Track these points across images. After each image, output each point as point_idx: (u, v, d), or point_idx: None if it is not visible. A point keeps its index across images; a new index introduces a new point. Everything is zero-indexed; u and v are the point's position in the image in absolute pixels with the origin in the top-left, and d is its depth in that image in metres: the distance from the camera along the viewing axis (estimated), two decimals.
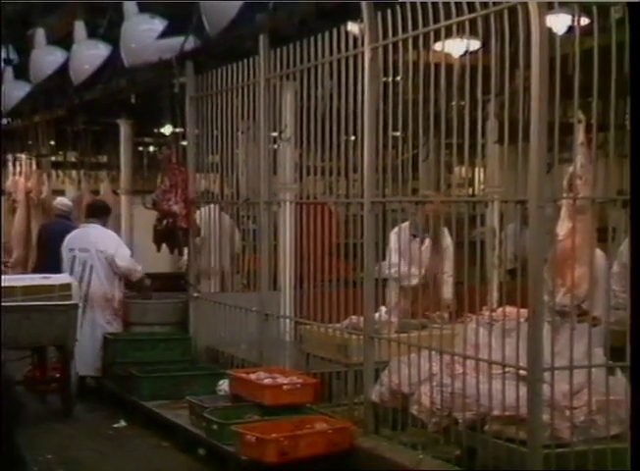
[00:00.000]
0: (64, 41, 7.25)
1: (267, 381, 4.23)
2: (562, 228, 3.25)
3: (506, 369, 3.21)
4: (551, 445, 3.05)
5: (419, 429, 3.55)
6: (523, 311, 3.16)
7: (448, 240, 3.96)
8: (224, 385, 4.62)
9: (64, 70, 7.11)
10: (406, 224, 4.40)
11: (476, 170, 4.80)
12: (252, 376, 4.34)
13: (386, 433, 3.80)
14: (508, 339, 3.21)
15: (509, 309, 3.38)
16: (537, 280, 3.04)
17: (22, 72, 7.76)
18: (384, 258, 4.27)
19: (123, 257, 5.63)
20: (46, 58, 7.44)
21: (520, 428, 3.11)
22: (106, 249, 5.61)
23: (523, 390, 3.10)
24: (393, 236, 4.22)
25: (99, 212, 5.95)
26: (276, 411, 4.09)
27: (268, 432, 3.73)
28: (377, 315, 4.00)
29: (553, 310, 3.18)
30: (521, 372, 3.12)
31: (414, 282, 4.13)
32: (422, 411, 3.51)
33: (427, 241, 4.07)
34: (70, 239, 5.84)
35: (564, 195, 3.27)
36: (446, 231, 4.01)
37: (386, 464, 3.58)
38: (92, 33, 6.94)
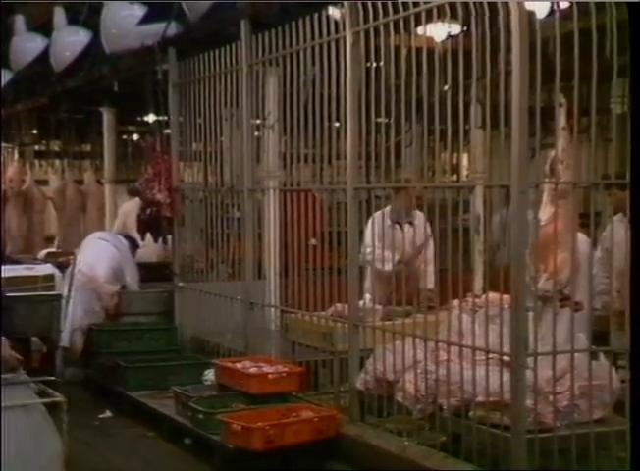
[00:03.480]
0: (44, 28, 7.14)
1: (253, 370, 4.22)
2: (545, 213, 3.23)
3: (490, 355, 3.21)
4: (534, 430, 3.06)
5: (404, 416, 3.56)
6: (507, 297, 3.15)
7: (429, 229, 3.93)
8: (210, 374, 4.61)
9: (45, 57, 7.01)
10: (388, 209, 4.34)
11: (460, 155, 4.77)
12: (238, 365, 4.32)
13: (371, 420, 3.80)
14: (492, 325, 3.21)
15: (493, 295, 3.37)
16: (519, 265, 3.04)
17: (2, 59, 7.64)
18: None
19: (135, 279, 5.83)
20: (27, 45, 7.33)
21: (504, 413, 3.11)
22: (128, 270, 5.80)
23: (507, 375, 3.10)
24: (375, 219, 4.17)
25: (129, 239, 6.07)
26: (262, 400, 4.08)
27: (254, 420, 3.72)
28: (361, 303, 3.99)
29: (535, 296, 3.18)
30: (505, 358, 3.12)
31: (388, 267, 4.12)
32: (407, 398, 3.52)
33: (407, 227, 4.04)
34: (100, 233, 6.23)
35: (546, 180, 3.25)
36: (421, 216, 3.96)
37: (372, 451, 3.59)
38: (72, 20, 6.83)
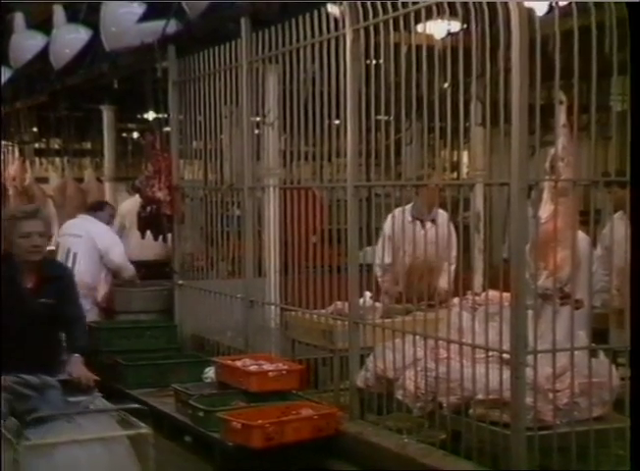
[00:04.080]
0: (43, 26, 7.13)
1: (253, 368, 4.22)
2: (545, 210, 3.23)
3: (490, 353, 3.21)
4: (534, 428, 3.06)
5: (404, 413, 3.56)
6: (507, 295, 3.15)
7: (451, 227, 3.91)
8: (210, 372, 4.61)
9: (44, 54, 7.00)
10: (400, 208, 4.32)
11: (460, 153, 4.78)
12: (238, 363, 4.33)
13: (371, 418, 3.81)
14: (492, 323, 3.21)
15: (493, 293, 3.37)
16: (520, 263, 3.03)
17: (1, 57, 7.63)
18: (369, 243, 4.24)
19: (118, 254, 5.74)
20: (26, 43, 7.31)
21: (504, 411, 3.11)
22: (100, 240, 5.70)
23: (507, 373, 3.10)
24: (389, 220, 4.15)
25: (92, 208, 6.04)
26: (262, 398, 4.08)
27: (254, 418, 3.72)
28: (361, 300, 3.99)
29: (535, 293, 3.18)
30: (505, 356, 3.12)
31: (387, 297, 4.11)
32: (407, 396, 3.52)
33: (428, 225, 4.02)
34: (64, 227, 6.01)
35: (547, 177, 3.25)
36: (445, 215, 3.95)
37: (371, 449, 3.59)
38: (72, 17, 6.82)
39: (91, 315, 5.64)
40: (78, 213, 6.55)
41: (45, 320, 3.19)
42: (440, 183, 3.74)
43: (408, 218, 4.09)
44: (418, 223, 3.93)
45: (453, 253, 3.96)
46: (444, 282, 4.24)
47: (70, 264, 5.45)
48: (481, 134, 4.57)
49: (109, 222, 6.02)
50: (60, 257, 5.59)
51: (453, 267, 4.08)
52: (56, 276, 3.31)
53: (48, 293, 3.20)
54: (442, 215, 4.05)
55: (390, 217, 4.08)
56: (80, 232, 5.80)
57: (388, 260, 4.19)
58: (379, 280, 4.28)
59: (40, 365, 3.08)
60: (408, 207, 4.19)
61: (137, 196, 6.01)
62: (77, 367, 3.13)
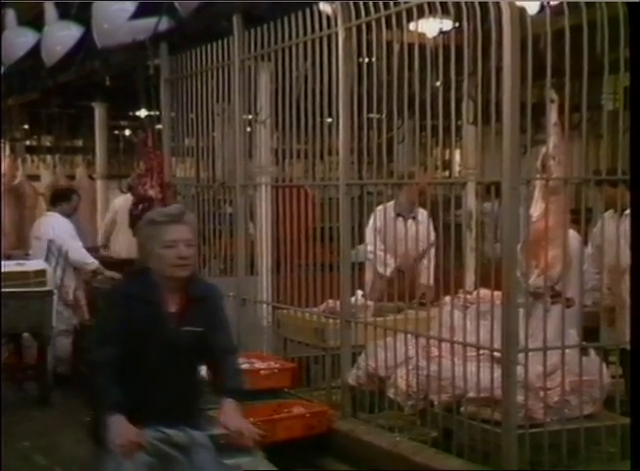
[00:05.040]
0: (35, 22, 7.09)
1: (245, 366, 4.20)
2: (536, 209, 3.24)
3: (481, 351, 3.21)
4: (525, 426, 3.07)
5: (396, 412, 3.57)
6: (498, 293, 3.16)
7: (430, 225, 3.93)
8: (202, 370, 4.59)
9: (36, 51, 6.97)
10: (391, 203, 4.34)
11: (452, 152, 4.79)
12: None
13: (363, 416, 3.81)
14: (483, 321, 3.21)
15: (484, 291, 3.38)
16: (511, 261, 3.04)
17: None
18: (361, 242, 4.24)
19: (74, 249, 5.64)
20: (17, 39, 7.27)
21: (495, 409, 3.12)
22: (59, 240, 5.60)
23: (498, 371, 3.11)
24: (377, 213, 4.16)
25: (57, 200, 5.95)
26: (254, 396, 4.06)
27: (246, 416, 3.68)
28: (353, 299, 3.99)
29: (526, 292, 3.19)
30: (496, 354, 3.13)
31: (388, 271, 4.12)
32: (399, 394, 3.52)
33: (410, 222, 4.04)
34: (34, 227, 5.94)
35: (538, 176, 3.26)
36: (424, 213, 3.96)
37: (363, 447, 3.60)
38: (64, 14, 6.78)
39: (66, 315, 5.57)
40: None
41: (190, 354, 2.47)
42: (432, 181, 3.74)
43: (391, 214, 4.11)
44: (401, 219, 3.95)
45: (433, 251, 3.97)
46: (424, 279, 4.26)
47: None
48: (473, 133, 4.57)
49: (73, 212, 5.85)
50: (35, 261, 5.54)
51: (431, 264, 4.11)
52: (203, 296, 2.51)
53: (195, 319, 2.45)
54: (422, 213, 4.07)
55: (373, 214, 4.07)
56: (39, 233, 5.74)
57: (381, 251, 4.19)
58: (379, 272, 4.27)
59: (183, 414, 2.38)
60: (390, 204, 4.21)
61: (130, 194, 5.98)
62: (233, 417, 2.41)
